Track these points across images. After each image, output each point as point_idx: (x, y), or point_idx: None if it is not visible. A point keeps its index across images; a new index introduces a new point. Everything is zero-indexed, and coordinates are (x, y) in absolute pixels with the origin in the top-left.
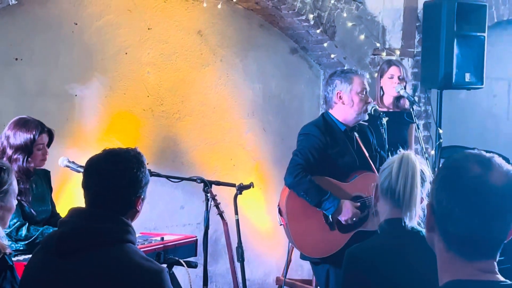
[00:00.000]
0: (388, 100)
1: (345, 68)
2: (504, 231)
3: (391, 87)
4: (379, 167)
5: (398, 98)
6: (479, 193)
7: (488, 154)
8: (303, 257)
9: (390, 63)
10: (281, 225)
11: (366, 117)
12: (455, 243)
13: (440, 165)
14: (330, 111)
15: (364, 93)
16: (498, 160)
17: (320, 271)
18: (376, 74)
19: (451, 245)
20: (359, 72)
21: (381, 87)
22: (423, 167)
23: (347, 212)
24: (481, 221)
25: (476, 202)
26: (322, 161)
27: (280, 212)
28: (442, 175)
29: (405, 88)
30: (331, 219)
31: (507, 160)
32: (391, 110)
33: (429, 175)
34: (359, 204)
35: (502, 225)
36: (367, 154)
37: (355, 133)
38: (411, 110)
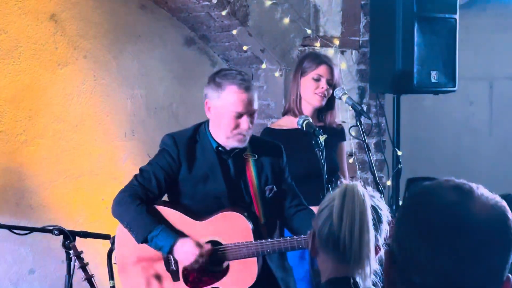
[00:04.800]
0: (307, 109)
1: (233, 69)
2: (488, 282)
3: (314, 92)
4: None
5: (321, 110)
6: (453, 227)
7: (472, 184)
8: None
9: (319, 58)
10: (114, 263)
11: (242, 146)
12: None
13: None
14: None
15: (238, 112)
16: (483, 190)
17: None
18: (294, 72)
19: None
20: (241, 80)
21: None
22: (376, 203)
23: (187, 254)
24: (456, 266)
25: (449, 239)
26: (170, 187)
27: None
28: (405, 206)
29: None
30: (174, 266)
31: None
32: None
33: (386, 214)
34: (209, 247)
35: (485, 272)
36: (253, 186)
37: (230, 159)
38: (357, 124)
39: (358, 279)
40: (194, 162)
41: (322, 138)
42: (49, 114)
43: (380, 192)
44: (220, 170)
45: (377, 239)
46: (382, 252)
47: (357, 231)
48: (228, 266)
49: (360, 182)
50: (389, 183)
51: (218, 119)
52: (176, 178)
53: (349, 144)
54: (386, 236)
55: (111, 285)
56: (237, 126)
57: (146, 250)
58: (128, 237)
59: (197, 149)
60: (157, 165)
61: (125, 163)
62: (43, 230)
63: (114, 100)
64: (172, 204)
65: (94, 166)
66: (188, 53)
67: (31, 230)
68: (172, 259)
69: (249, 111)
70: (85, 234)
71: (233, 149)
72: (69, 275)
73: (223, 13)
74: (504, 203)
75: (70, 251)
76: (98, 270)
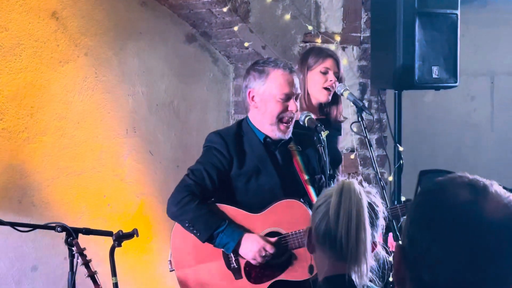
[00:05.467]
0: (315, 103)
1: (270, 57)
2: (499, 282)
3: (322, 87)
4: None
5: (322, 103)
6: (466, 226)
7: (485, 180)
8: None
9: (324, 52)
10: (171, 271)
11: (286, 136)
12: None
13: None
14: (249, 114)
15: (286, 94)
16: (497, 187)
17: None
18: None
19: None
20: (283, 64)
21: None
22: (372, 199)
23: (252, 247)
24: (467, 266)
25: (461, 238)
26: (223, 184)
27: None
28: (418, 203)
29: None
30: (235, 264)
31: None
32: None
33: (382, 210)
34: (274, 239)
35: (496, 272)
36: (303, 176)
37: (277, 150)
38: (359, 120)
39: (354, 277)
40: (244, 157)
41: (324, 134)
42: (50, 111)
43: (382, 187)
44: (270, 162)
45: (374, 236)
46: (378, 249)
47: (354, 228)
48: (290, 256)
49: (357, 179)
50: (391, 178)
51: (264, 105)
52: (228, 174)
53: (350, 140)
54: (382, 232)
55: (114, 281)
56: (285, 109)
57: (204, 250)
58: (185, 238)
59: (245, 143)
60: (207, 162)
61: (127, 160)
62: (46, 227)
63: (115, 97)
64: (225, 201)
65: (96, 163)
66: (189, 50)
67: (34, 227)
68: (233, 257)
69: (294, 93)
70: (87, 231)
71: (279, 140)
72: (72, 272)
73: (224, 9)
74: None
75: (73, 248)
76: (101, 267)
